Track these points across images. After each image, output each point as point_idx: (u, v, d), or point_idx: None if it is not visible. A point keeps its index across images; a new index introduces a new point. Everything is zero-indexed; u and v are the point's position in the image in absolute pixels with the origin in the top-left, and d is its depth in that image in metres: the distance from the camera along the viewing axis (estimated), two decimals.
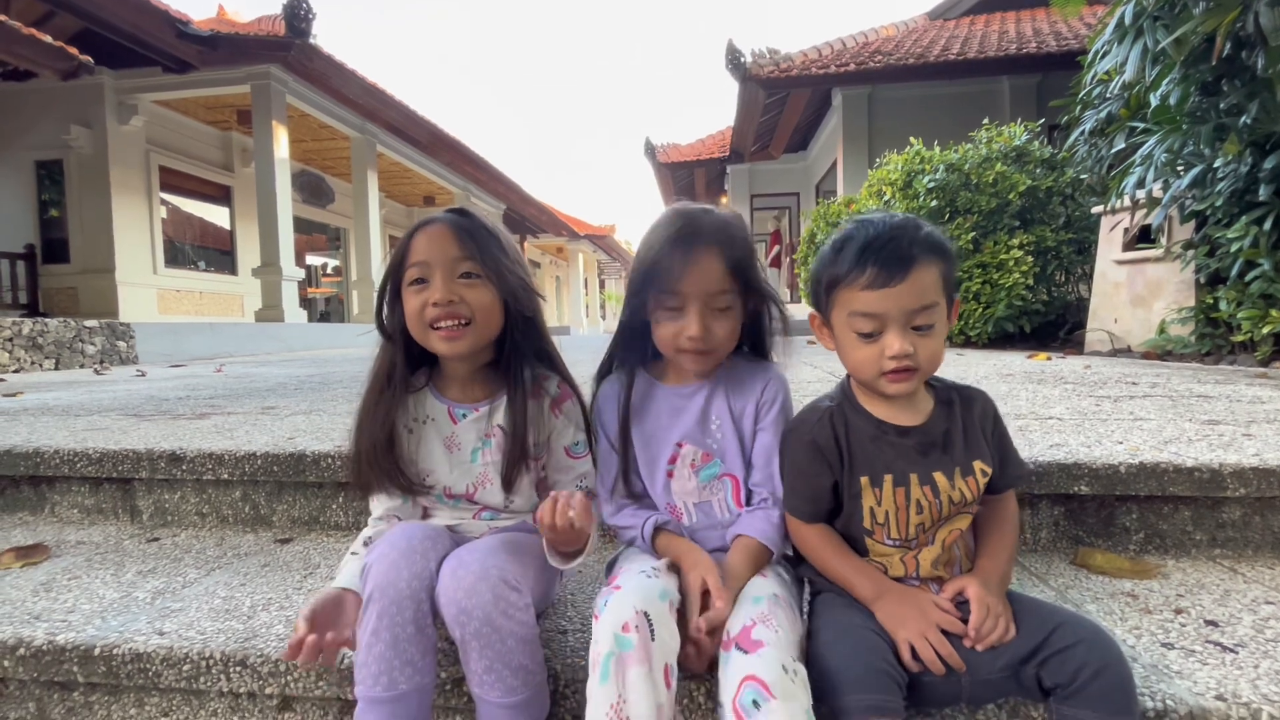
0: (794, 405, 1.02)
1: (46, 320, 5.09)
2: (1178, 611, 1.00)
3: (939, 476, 0.86)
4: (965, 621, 0.79)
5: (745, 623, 0.78)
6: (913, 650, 0.77)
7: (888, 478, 0.86)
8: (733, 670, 0.75)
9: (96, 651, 0.97)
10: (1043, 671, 0.74)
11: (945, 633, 0.79)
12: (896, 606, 0.81)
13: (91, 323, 5.43)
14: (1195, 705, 0.77)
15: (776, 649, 0.75)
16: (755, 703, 0.71)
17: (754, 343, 1.05)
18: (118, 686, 1.00)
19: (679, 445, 1.00)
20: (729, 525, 0.98)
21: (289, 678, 0.94)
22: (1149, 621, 0.97)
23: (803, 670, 0.75)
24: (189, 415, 2.12)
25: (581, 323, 23.06)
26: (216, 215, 9.99)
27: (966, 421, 0.89)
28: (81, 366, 5.23)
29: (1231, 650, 0.88)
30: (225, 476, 1.50)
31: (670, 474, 1.00)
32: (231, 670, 0.95)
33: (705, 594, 0.83)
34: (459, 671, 0.90)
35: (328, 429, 1.76)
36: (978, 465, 0.87)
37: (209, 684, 0.95)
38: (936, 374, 0.91)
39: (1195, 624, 0.96)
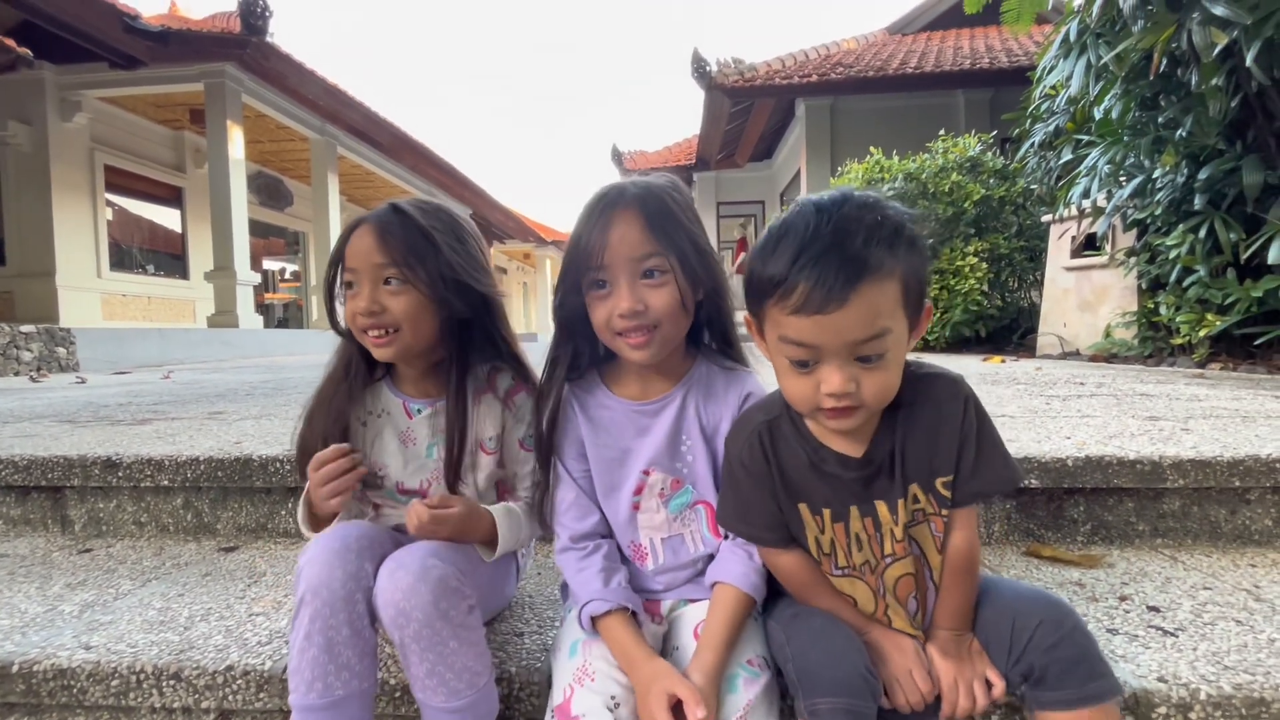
0: None
1: None
2: (1122, 599, 1.03)
3: (881, 506, 0.76)
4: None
5: None
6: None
7: (826, 511, 0.77)
8: None
9: (14, 669, 0.91)
10: (1016, 669, 0.72)
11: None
12: (878, 645, 0.77)
13: (28, 328, 5.15)
14: (1139, 687, 0.79)
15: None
16: None
17: (720, 339, 0.94)
18: (39, 705, 0.93)
19: (645, 473, 0.88)
20: (699, 560, 0.89)
21: (227, 690, 0.89)
22: (1095, 609, 1.00)
23: None
24: (129, 421, 2.02)
25: (549, 329, 22.92)
26: (167, 217, 9.62)
27: (920, 428, 0.75)
28: (16, 374, 4.95)
29: (1172, 634, 0.91)
30: (165, 483, 1.42)
31: (636, 506, 0.89)
32: (164, 684, 0.89)
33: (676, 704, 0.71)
34: (405, 678, 0.87)
35: (278, 433, 1.70)
36: (939, 483, 0.76)
37: (139, 700, 0.90)
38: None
39: (1138, 610, 0.99)
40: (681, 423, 0.88)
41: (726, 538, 0.88)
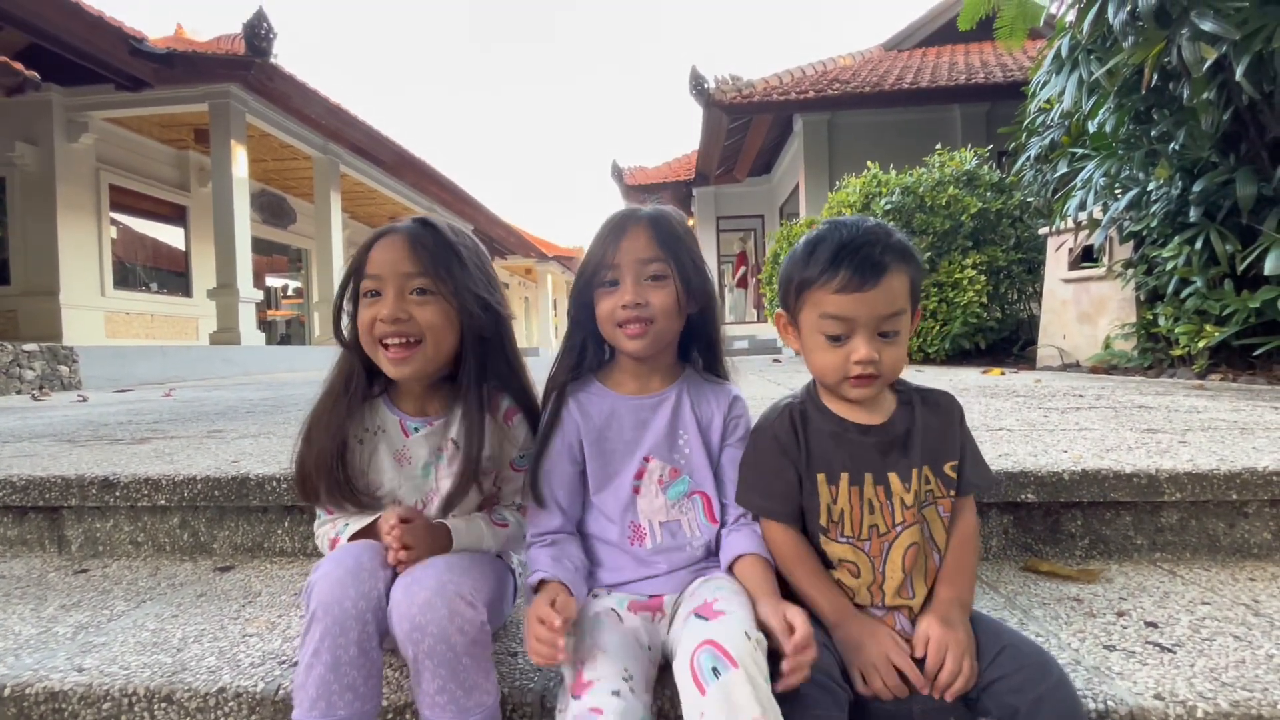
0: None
1: None
2: (1120, 614, 1.02)
3: (893, 477, 0.86)
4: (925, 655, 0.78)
5: (706, 598, 0.80)
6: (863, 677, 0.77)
7: (844, 475, 0.87)
8: (690, 634, 0.74)
9: (6, 692, 0.90)
10: (986, 696, 0.73)
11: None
12: (855, 634, 0.80)
13: (31, 346, 5.18)
14: (1135, 705, 0.78)
15: (738, 620, 0.74)
16: (715, 670, 0.69)
17: (706, 355, 1.03)
18: None
19: (646, 460, 0.95)
20: (696, 545, 0.94)
21: (219, 713, 0.88)
22: (1092, 625, 0.99)
23: (764, 641, 0.73)
24: (128, 440, 2.02)
25: (550, 343, 22.94)
26: (171, 236, 9.70)
27: (929, 423, 0.89)
28: (19, 392, 4.97)
29: (1170, 650, 0.90)
30: (162, 502, 1.42)
31: (637, 490, 0.95)
32: (156, 707, 0.89)
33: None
34: (402, 699, 0.86)
35: (276, 452, 1.70)
36: (946, 467, 0.88)
37: None
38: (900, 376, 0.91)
39: (1136, 626, 0.98)
40: (678, 416, 0.97)
41: (722, 525, 0.95)
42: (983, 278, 4.96)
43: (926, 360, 5.28)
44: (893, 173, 5.64)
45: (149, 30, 7.33)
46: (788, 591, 0.87)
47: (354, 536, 0.93)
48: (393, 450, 0.98)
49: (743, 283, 14.52)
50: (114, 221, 8.61)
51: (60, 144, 7.71)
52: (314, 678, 0.75)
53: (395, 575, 0.84)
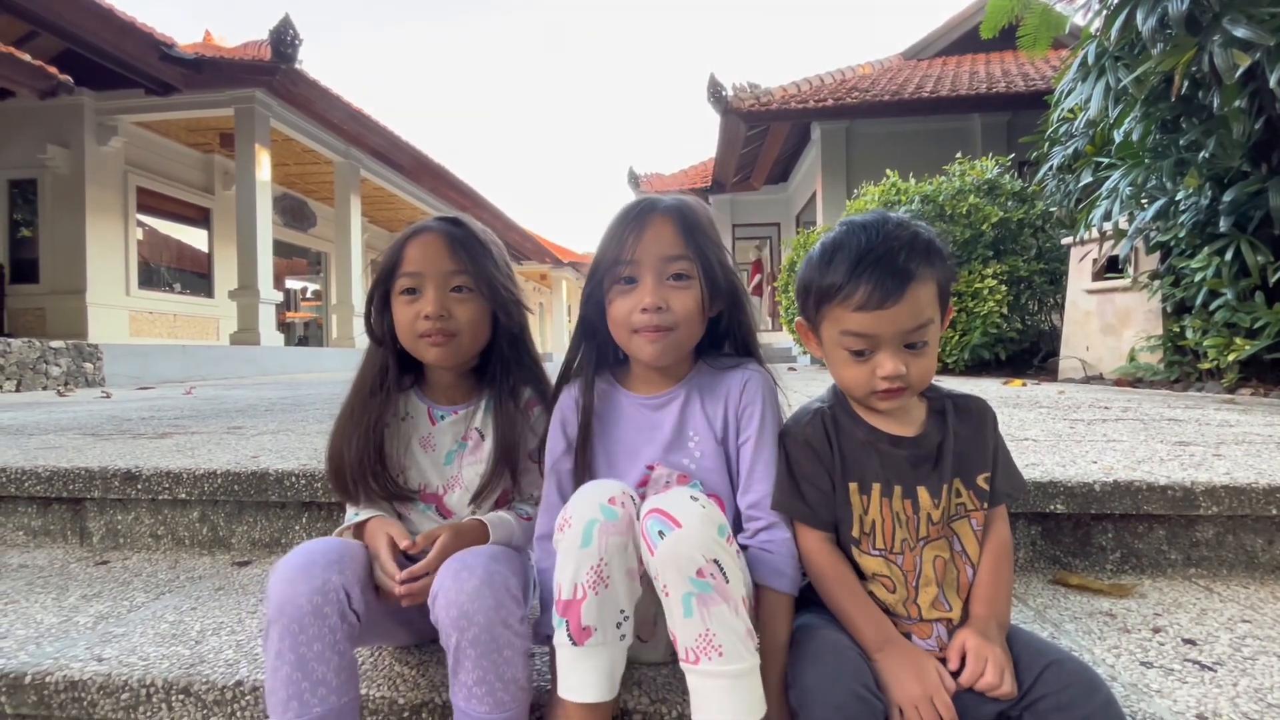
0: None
1: (9, 340, 4.94)
2: (1156, 630, 0.99)
3: (922, 491, 0.82)
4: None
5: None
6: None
7: (875, 485, 0.83)
8: (643, 510, 0.75)
9: (27, 680, 0.91)
10: (1029, 714, 0.70)
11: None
12: (898, 666, 0.74)
13: (57, 343, 5.28)
14: None
15: (684, 491, 0.76)
16: (660, 532, 0.71)
17: (742, 350, 0.95)
18: (49, 718, 0.93)
19: (650, 468, 0.89)
20: None
21: (235, 706, 0.88)
22: (1128, 640, 0.96)
23: (713, 505, 0.74)
24: (150, 434, 2.05)
25: (564, 348, 23.00)
26: (194, 237, 9.89)
27: (961, 433, 0.84)
28: (45, 388, 5.06)
29: (1210, 669, 0.87)
30: (183, 496, 1.43)
31: (643, 497, 0.86)
32: (173, 699, 0.89)
33: None
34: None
35: (295, 448, 1.71)
36: (979, 479, 0.84)
37: (148, 714, 0.89)
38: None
39: (1173, 643, 0.95)
40: (686, 418, 0.91)
41: (738, 531, 0.86)
42: (1003, 288, 4.90)
43: (945, 370, 5.21)
44: (912, 181, 5.60)
45: (178, 35, 7.50)
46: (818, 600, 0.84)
47: (360, 527, 0.93)
48: (419, 437, 1.00)
49: (758, 290, 14.48)
50: (140, 223, 8.79)
51: (90, 147, 7.90)
52: (280, 679, 0.74)
53: (368, 566, 0.84)
